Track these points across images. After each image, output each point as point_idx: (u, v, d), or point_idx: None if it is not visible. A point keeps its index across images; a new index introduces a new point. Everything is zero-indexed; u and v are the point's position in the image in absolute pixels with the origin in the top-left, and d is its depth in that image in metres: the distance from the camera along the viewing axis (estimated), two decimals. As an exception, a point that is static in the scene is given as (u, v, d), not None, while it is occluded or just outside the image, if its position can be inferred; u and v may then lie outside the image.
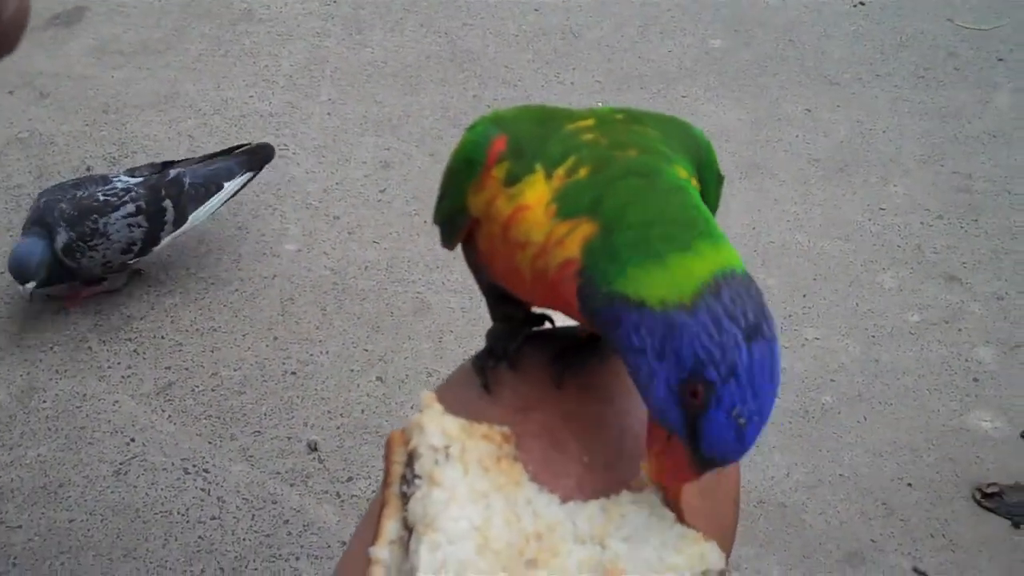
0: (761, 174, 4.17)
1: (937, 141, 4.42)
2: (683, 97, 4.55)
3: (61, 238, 3.20)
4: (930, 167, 4.27)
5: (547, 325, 1.51)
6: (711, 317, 1.00)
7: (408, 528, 1.13)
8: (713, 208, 1.29)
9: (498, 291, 1.37)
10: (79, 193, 3.31)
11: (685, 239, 1.06)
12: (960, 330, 3.53)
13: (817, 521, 2.92)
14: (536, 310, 1.50)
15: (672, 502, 1.17)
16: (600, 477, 1.25)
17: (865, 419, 3.21)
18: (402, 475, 1.18)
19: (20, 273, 3.17)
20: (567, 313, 1.24)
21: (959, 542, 2.89)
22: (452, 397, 1.34)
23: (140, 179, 3.43)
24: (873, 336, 3.50)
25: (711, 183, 1.27)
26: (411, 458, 1.18)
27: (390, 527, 1.14)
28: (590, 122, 1.22)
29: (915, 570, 2.81)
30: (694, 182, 1.19)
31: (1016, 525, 2.92)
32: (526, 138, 1.21)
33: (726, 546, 1.27)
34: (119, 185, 3.37)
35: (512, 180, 1.19)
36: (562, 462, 1.26)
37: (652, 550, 1.13)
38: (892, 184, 4.17)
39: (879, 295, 3.66)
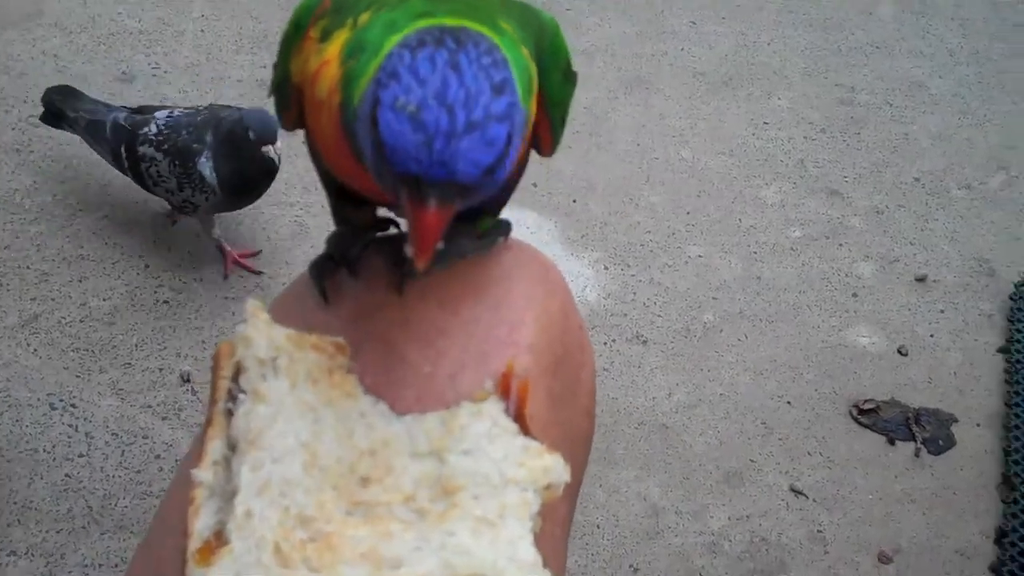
0: (646, 89, 4.12)
1: (821, 53, 4.41)
2: (567, 10, 4.45)
3: None
4: (814, 80, 4.26)
5: (392, 231, 1.43)
6: (395, 52, 0.97)
7: (232, 447, 1.07)
8: (559, 102, 1.22)
9: (335, 182, 1.30)
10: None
11: (408, 19, 1.05)
12: (841, 245, 3.55)
13: (697, 442, 2.93)
14: (381, 213, 1.42)
15: (517, 413, 1.12)
16: (443, 389, 1.19)
17: (746, 337, 3.22)
18: (228, 391, 1.11)
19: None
20: (368, 188, 1.18)
21: (836, 459, 2.92)
22: (288, 307, 1.26)
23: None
24: (755, 252, 3.50)
25: (552, 70, 1.19)
26: (237, 372, 1.11)
27: (214, 447, 1.07)
28: None
29: (792, 488, 2.84)
30: (526, 54, 1.12)
31: (891, 441, 2.96)
32: None
33: (578, 459, 1.22)
34: None
35: (324, 37, 1.14)
36: (401, 372, 1.19)
37: (492, 464, 1.07)
38: (776, 97, 4.15)
39: (761, 211, 3.66)
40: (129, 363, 2.96)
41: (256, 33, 4.19)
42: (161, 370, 2.96)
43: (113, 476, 2.70)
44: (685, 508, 2.78)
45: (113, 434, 2.79)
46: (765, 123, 4.02)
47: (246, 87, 3.93)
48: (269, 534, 0.99)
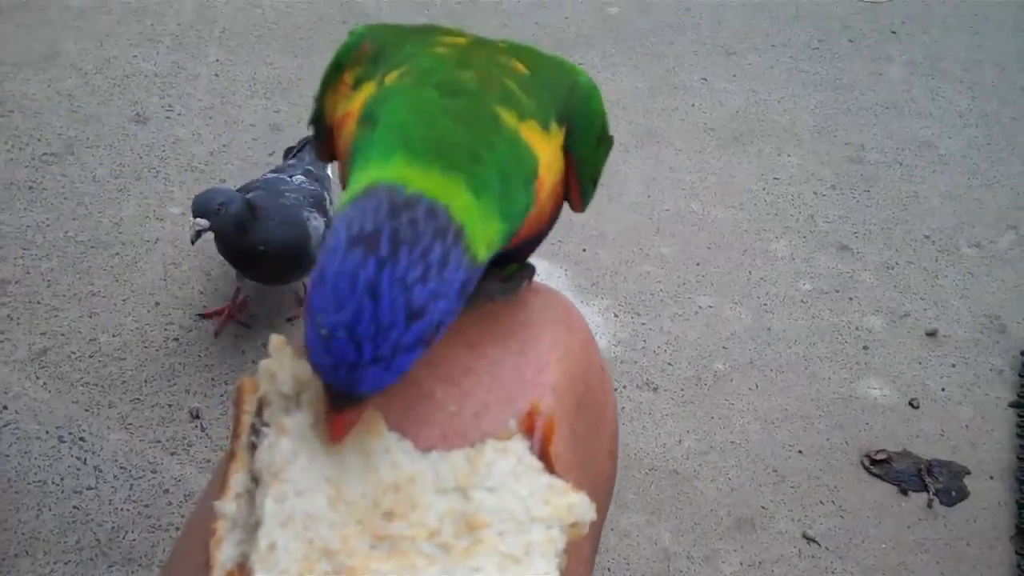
0: (657, 143, 4.15)
1: (831, 112, 4.45)
2: (579, 63, 4.47)
3: None
4: (824, 138, 4.29)
5: None
6: (337, 223, 0.96)
7: (256, 480, 1.06)
8: (590, 164, 1.22)
9: None
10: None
11: (391, 149, 1.01)
12: (851, 299, 3.55)
13: (708, 488, 2.91)
14: None
15: (542, 451, 1.11)
16: (467, 427, 1.19)
17: (757, 387, 3.21)
18: (251, 425, 1.10)
19: None
20: None
21: (848, 508, 2.90)
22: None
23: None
24: (765, 304, 3.50)
25: (583, 132, 1.20)
26: (261, 407, 1.11)
27: (237, 480, 1.06)
28: (461, 40, 1.16)
29: (804, 536, 2.81)
30: (535, 129, 1.10)
31: (903, 492, 2.94)
32: (389, 45, 1.15)
33: (600, 500, 1.22)
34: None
35: (356, 84, 1.14)
36: (427, 411, 1.19)
37: (518, 501, 1.06)
38: (786, 154, 4.18)
39: (772, 264, 3.66)
40: (138, 398, 2.95)
41: (270, 79, 4.22)
42: (170, 406, 2.95)
43: (121, 509, 2.68)
44: (696, 553, 2.75)
45: (122, 468, 2.77)
46: (775, 178, 4.04)
47: (259, 131, 3.95)
48: (293, 566, 0.98)
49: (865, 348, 3.37)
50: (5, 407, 2.88)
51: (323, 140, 1.23)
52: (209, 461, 2.81)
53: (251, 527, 1.02)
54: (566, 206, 1.33)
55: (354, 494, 1.05)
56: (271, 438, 1.07)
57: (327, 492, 1.04)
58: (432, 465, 1.10)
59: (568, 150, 1.17)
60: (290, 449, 1.06)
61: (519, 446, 1.11)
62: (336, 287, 0.95)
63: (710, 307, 3.46)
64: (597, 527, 1.30)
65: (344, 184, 1.19)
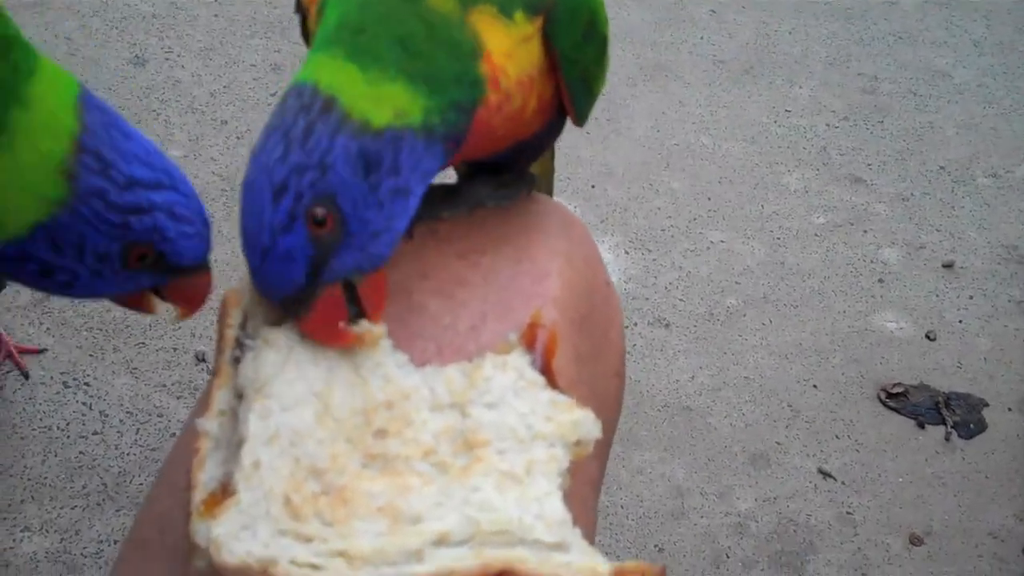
0: (665, 76, 4.07)
1: (843, 43, 4.36)
2: (586, -2, 4.40)
3: None
4: (836, 69, 4.21)
5: None
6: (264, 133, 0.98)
7: (240, 396, 1.00)
8: (574, 61, 1.15)
9: None
10: None
11: (322, 43, 1.01)
12: (865, 232, 3.49)
13: (722, 424, 2.87)
14: None
15: (544, 366, 1.06)
16: (464, 340, 1.13)
17: (770, 321, 3.16)
18: (236, 339, 1.05)
19: None
20: None
21: (864, 442, 2.85)
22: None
23: None
24: (778, 238, 3.44)
25: (566, 25, 1.12)
26: (245, 319, 1.06)
27: (220, 397, 1.01)
28: None
29: (820, 471, 2.77)
30: (491, 14, 1.06)
31: (920, 425, 2.90)
32: None
33: (607, 421, 1.16)
34: None
35: None
36: (420, 324, 1.14)
37: (519, 418, 1.00)
38: (798, 86, 4.10)
39: (784, 197, 3.60)
40: (143, 343, 2.91)
41: (270, 18, 4.15)
42: (175, 350, 2.90)
43: (128, 454, 2.64)
44: (710, 489, 2.71)
45: (128, 412, 2.74)
46: (787, 111, 3.97)
47: (260, 71, 3.88)
48: (279, 486, 0.92)
49: (880, 281, 3.31)
50: (9, 354, 2.84)
51: (303, 25, 1.19)
52: (215, 404, 2.77)
53: (235, 445, 0.96)
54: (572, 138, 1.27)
55: (344, 410, 1.00)
56: (255, 351, 1.01)
57: (315, 407, 0.99)
58: (427, 380, 1.04)
59: (552, 46, 1.11)
60: (275, 362, 1.00)
61: (520, 360, 1.06)
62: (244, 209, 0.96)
63: (722, 242, 3.40)
64: (604, 449, 1.25)
65: None
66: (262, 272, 0.96)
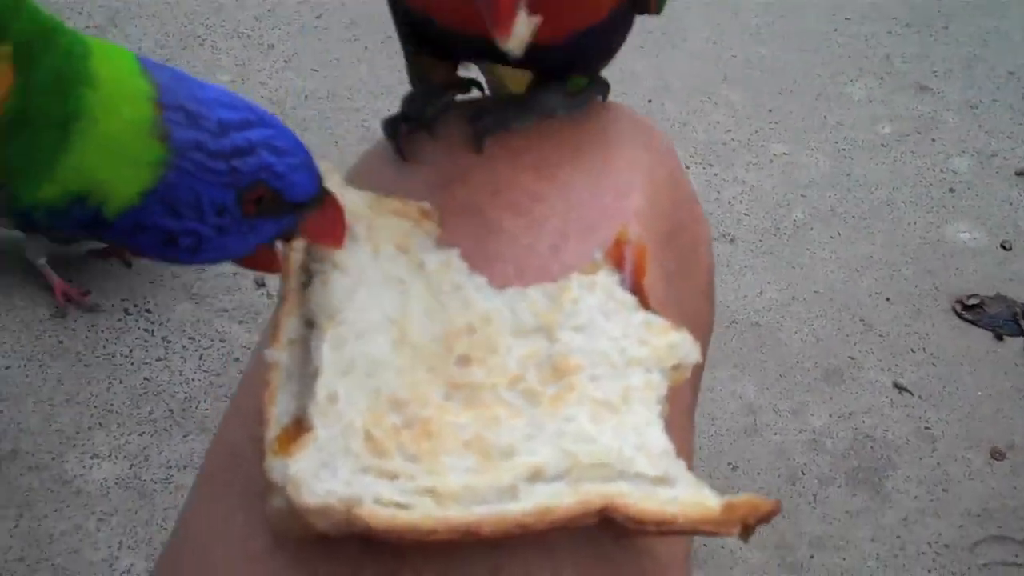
0: (720, -14, 3.96)
1: (902, -53, 4.22)
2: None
3: None
4: (896, -26, 4.08)
5: (475, 93, 1.30)
6: None
7: (310, 324, 0.94)
8: None
9: (414, 25, 1.17)
10: None
11: None
12: (934, 140, 3.38)
13: (793, 339, 2.79)
14: (462, 72, 1.29)
15: (635, 285, 0.99)
16: (545, 260, 1.06)
17: (839, 234, 3.07)
18: (302, 263, 0.98)
19: None
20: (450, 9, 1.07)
21: (940, 355, 2.78)
22: (363, 175, 1.14)
23: None
24: (843, 149, 3.34)
25: None
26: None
27: (288, 325, 0.94)
28: None
29: (895, 385, 2.70)
30: None
31: (999, 337, 2.81)
32: None
33: (698, 342, 1.10)
34: None
35: None
36: (496, 243, 1.06)
37: (611, 342, 0.93)
38: (857, -8, 3.98)
39: (847, 107, 3.49)
40: (202, 268, 2.86)
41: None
42: (235, 275, 2.86)
43: (192, 379, 2.61)
44: (783, 406, 2.65)
45: (190, 338, 2.70)
46: (847, 19, 3.85)
47: (306, -8, 3.80)
48: (358, 419, 0.85)
49: (951, 191, 3.21)
50: (70, 280, 2.79)
51: None
52: (276, 328, 2.72)
53: (308, 377, 0.90)
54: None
55: (422, 336, 0.93)
56: (323, 276, 0.95)
57: (391, 334, 0.92)
58: (509, 303, 0.97)
59: None
60: (346, 287, 0.93)
61: (608, 280, 0.98)
62: None
63: (785, 154, 3.31)
64: (697, 372, 1.17)
65: None
66: None
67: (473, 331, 0.95)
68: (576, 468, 0.84)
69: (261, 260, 0.97)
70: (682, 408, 1.08)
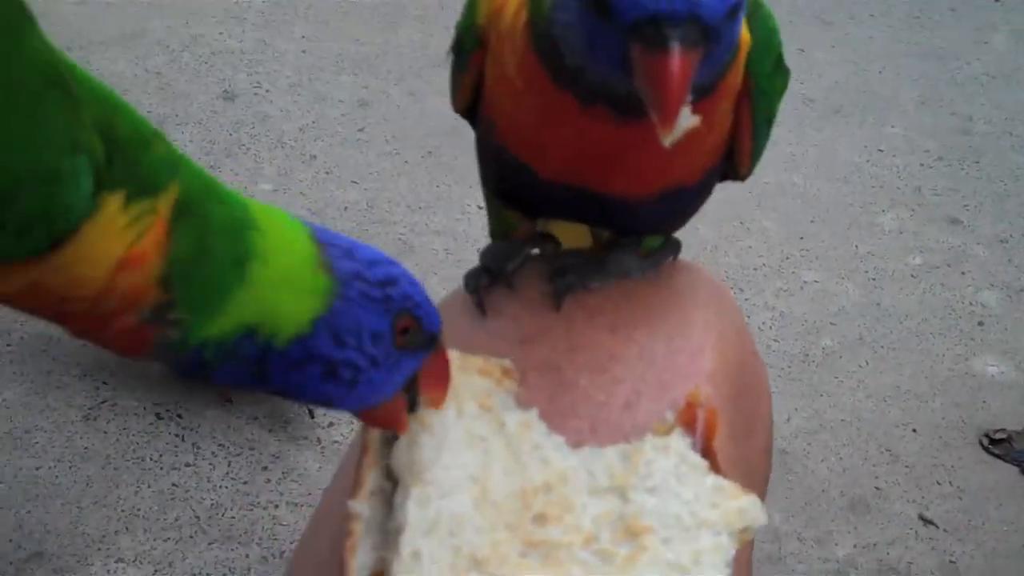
0: (755, 114, 4.03)
1: (934, 82, 4.30)
2: (673, 36, 4.39)
3: None
4: (928, 108, 4.15)
5: (552, 248, 1.35)
6: None
7: (392, 479, 0.98)
8: (769, 95, 1.14)
9: (502, 177, 1.22)
10: None
11: None
12: (963, 273, 3.41)
13: (819, 467, 2.80)
14: (541, 227, 1.34)
15: (705, 448, 1.03)
16: (619, 419, 1.10)
17: (867, 363, 3.09)
18: None
19: None
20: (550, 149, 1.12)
21: (966, 489, 2.77)
22: (443, 327, 1.20)
23: None
24: (873, 279, 3.37)
25: (762, 51, 1.12)
26: None
27: (371, 477, 0.99)
28: None
29: (921, 517, 2.70)
30: None
31: (1025, 472, 2.81)
32: None
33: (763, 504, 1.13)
34: None
35: None
36: (571, 401, 1.11)
37: (683, 504, 0.97)
38: (889, 125, 4.04)
39: (879, 237, 3.54)
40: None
41: (357, 55, 4.17)
42: (267, 382, 2.90)
43: (220, 486, 2.63)
44: (808, 534, 2.65)
45: (220, 444, 2.73)
46: (879, 150, 3.91)
47: (348, 107, 3.91)
48: None
49: (980, 324, 3.23)
50: (105, 382, 2.85)
51: (466, 65, 1.17)
52: (306, 438, 2.75)
53: (387, 530, 0.95)
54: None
55: (502, 494, 0.97)
56: (411, 435, 0.99)
57: (473, 493, 0.96)
58: (585, 463, 1.02)
59: (747, 73, 1.09)
60: (432, 446, 0.98)
61: (680, 443, 1.03)
62: None
63: (816, 282, 3.35)
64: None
65: (505, 106, 1.12)
66: None
67: (550, 489, 0.99)
68: None
69: (392, 414, 1.01)
70: (743, 561, 1.11)
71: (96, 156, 0.81)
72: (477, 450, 1.00)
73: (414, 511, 0.94)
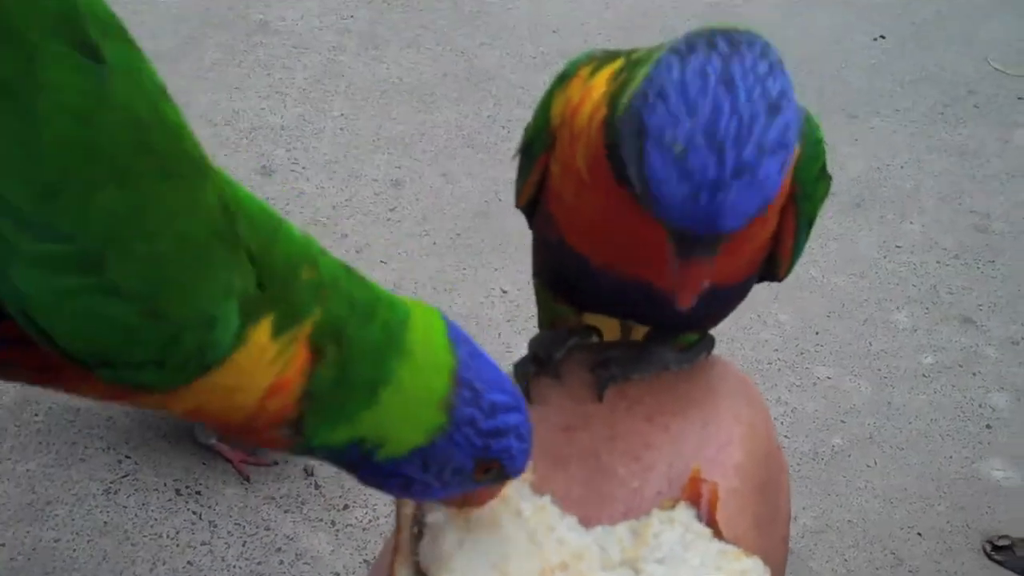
0: (776, 207, 4.11)
1: (955, 179, 4.37)
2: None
3: None
4: (948, 205, 4.21)
5: (595, 339, 1.44)
6: (664, 58, 0.98)
7: (421, 573, 1.07)
8: (812, 198, 1.22)
9: (558, 272, 1.29)
10: None
11: None
12: (975, 374, 3.47)
13: (824, 569, 2.86)
14: (588, 319, 1.43)
15: (709, 518, 1.11)
16: (651, 505, 1.18)
17: (875, 463, 3.15)
18: (412, 515, 1.12)
19: None
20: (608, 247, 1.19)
21: (968, 595, 2.82)
22: None
23: None
24: (886, 377, 3.43)
25: (808, 157, 1.20)
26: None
27: (401, 573, 1.08)
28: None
29: (923, 622, 2.75)
30: None
31: (1027, 580, 2.86)
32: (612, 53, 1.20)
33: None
34: None
35: (594, 73, 1.18)
36: (610, 487, 1.19)
37: (690, 570, 1.06)
38: (909, 221, 4.11)
39: (893, 335, 3.60)
40: (253, 452, 2.99)
41: (393, 134, 4.28)
42: (285, 462, 2.98)
43: (234, 566, 2.71)
44: (810, 636, 2.70)
45: (236, 523, 2.81)
46: (897, 247, 3.98)
47: (381, 186, 4.01)
48: None
49: (988, 427, 3.29)
50: (128, 456, 2.94)
51: (533, 164, 1.25)
52: (321, 520, 2.83)
53: None
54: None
55: (522, 574, 1.05)
56: (434, 531, 1.08)
57: None
58: (598, 540, 1.10)
59: (792, 181, 1.15)
60: (454, 540, 1.07)
61: (685, 514, 1.11)
62: (684, 92, 0.91)
63: (828, 378, 3.41)
64: None
65: (570, 200, 1.21)
66: (723, 197, 0.93)
67: (566, 567, 1.08)
68: None
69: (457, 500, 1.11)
70: None
71: (249, 294, 0.89)
72: (496, 538, 1.07)
73: None
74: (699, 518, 1.11)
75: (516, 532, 1.09)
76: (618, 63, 1.16)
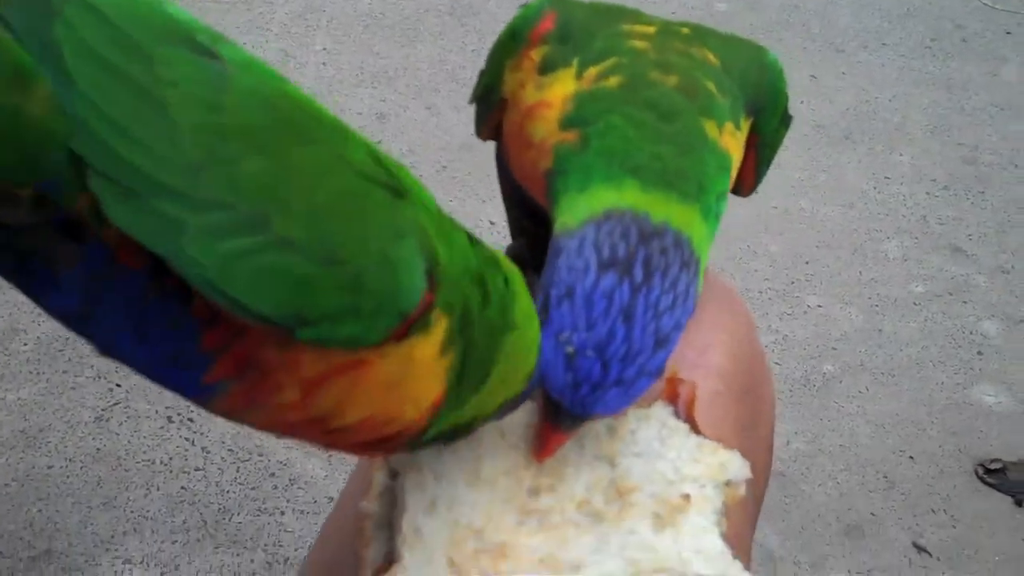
0: (764, 139, 4.08)
1: (943, 112, 4.34)
2: (686, 58, 4.44)
3: None
4: (936, 138, 4.19)
5: None
6: (579, 243, 0.98)
7: (394, 475, 1.05)
8: (771, 144, 1.21)
9: (518, 195, 1.29)
10: None
11: (618, 175, 1.02)
12: (965, 302, 3.46)
13: (816, 492, 2.85)
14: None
15: (687, 413, 1.09)
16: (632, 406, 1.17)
17: (867, 389, 3.14)
18: None
19: None
20: None
21: (960, 518, 2.82)
22: None
23: None
24: (876, 305, 3.42)
25: (769, 113, 1.18)
26: None
27: (378, 479, 1.06)
28: (650, 29, 1.15)
29: (915, 545, 2.74)
30: (730, 132, 1.10)
31: (1019, 503, 2.86)
32: (577, 24, 1.14)
33: (758, 490, 1.18)
34: None
35: (546, 68, 1.13)
36: None
37: (667, 463, 1.04)
38: (897, 153, 4.09)
39: (883, 264, 3.58)
40: (244, 382, 2.96)
41: (377, 68, 4.23)
42: (275, 391, 2.95)
43: (228, 491, 2.69)
44: (804, 558, 2.70)
45: (229, 450, 2.79)
46: (886, 178, 3.96)
47: (366, 120, 3.96)
48: (440, 548, 0.97)
49: (979, 353, 3.28)
50: (118, 385, 2.90)
51: (489, 112, 1.21)
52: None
53: (395, 520, 1.01)
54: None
55: (495, 473, 1.04)
56: None
57: (466, 475, 1.03)
58: (574, 438, 1.08)
59: (752, 131, 1.16)
60: None
61: (661, 412, 1.10)
62: (588, 306, 0.96)
63: (819, 307, 3.40)
64: (754, 513, 1.27)
65: (517, 173, 1.17)
66: (600, 395, 0.97)
67: (542, 465, 1.05)
68: (640, 574, 0.95)
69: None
70: (744, 516, 1.16)
71: (426, 247, 0.82)
72: (469, 439, 1.05)
73: (413, 494, 1.00)
74: (676, 415, 1.09)
75: (489, 432, 1.07)
76: (570, 78, 1.11)
